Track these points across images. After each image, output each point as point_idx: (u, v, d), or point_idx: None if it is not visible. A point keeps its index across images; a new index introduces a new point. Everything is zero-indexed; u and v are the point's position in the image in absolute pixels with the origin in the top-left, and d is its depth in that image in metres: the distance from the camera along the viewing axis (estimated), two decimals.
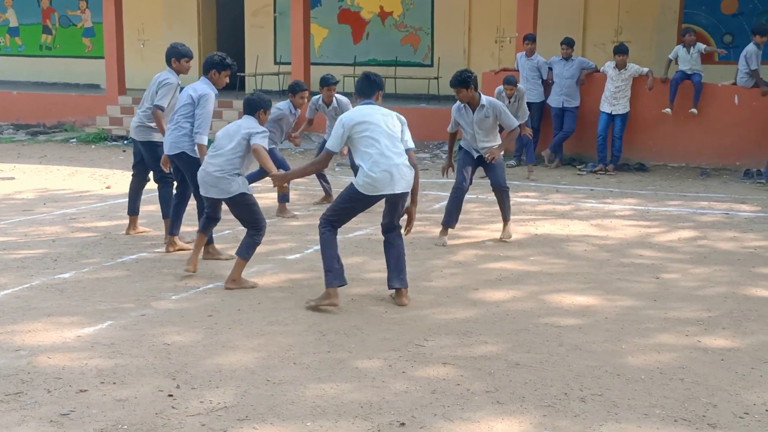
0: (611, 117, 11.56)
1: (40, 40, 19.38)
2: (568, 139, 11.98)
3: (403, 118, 5.69)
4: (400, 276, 5.63)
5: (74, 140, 14.79)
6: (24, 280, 6.14)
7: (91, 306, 5.48)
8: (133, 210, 7.69)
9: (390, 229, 5.72)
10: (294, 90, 8.46)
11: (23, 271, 6.39)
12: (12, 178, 11.03)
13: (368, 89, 5.73)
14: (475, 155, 7.45)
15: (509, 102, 10.85)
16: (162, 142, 7.01)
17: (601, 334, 5.07)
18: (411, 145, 5.63)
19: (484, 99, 7.21)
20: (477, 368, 4.49)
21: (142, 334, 4.99)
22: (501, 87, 10.72)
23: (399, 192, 5.51)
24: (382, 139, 5.44)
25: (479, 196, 9.70)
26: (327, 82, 8.97)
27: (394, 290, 5.68)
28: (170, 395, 4.10)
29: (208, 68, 6.65)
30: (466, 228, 7.96)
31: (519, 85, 10.88)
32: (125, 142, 14.23)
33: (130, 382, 4.27)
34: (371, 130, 5.46)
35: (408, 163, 5.54)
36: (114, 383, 4.24)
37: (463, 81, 7.07)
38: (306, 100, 8.65)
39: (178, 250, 7.01)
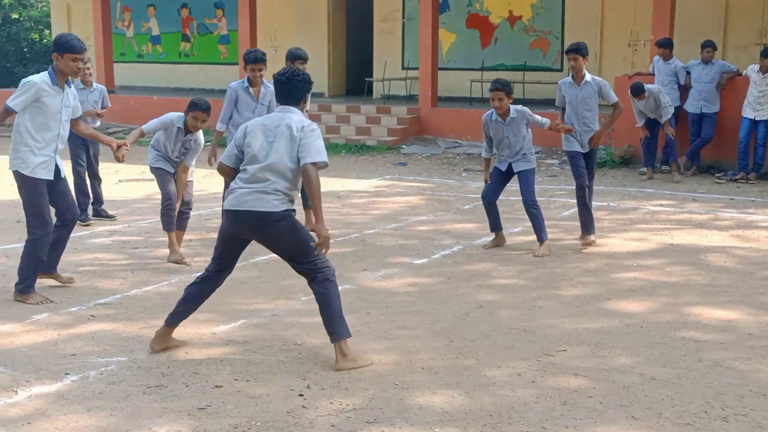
0: (754, 123, 11.00)
1: (179, 48, 20.26)
2: (705, 146, 11.50)
3: None
4: None
5: (208, 144, 15.30)
6: (163, 278, 6.40)
7: (225, 305, 5.65)
8: None
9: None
10: None
11: (162, 268, 6.66)
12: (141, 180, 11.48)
13: None
14: (582, 151, 7.46)
15: (643, 106, 10.74)
16: None
17: (744, 350, 4.81)
18: None
19: (588, 76, 7.38)
20: (610, 381, 4.34)
21: (274, 333, 5.10)
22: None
23: None
24: None
25: (610, 204, 9.43)
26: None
27: None
28: (301, 395, 4.16)
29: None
30: (597, 236, 7.74)
31: (647, 86, 10.67)
32: None
33: (263, 380, 4.36)
34: None
35: None
36: (247, 380, 4.35)
37: (579, 49, 7.27)
38: None
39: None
